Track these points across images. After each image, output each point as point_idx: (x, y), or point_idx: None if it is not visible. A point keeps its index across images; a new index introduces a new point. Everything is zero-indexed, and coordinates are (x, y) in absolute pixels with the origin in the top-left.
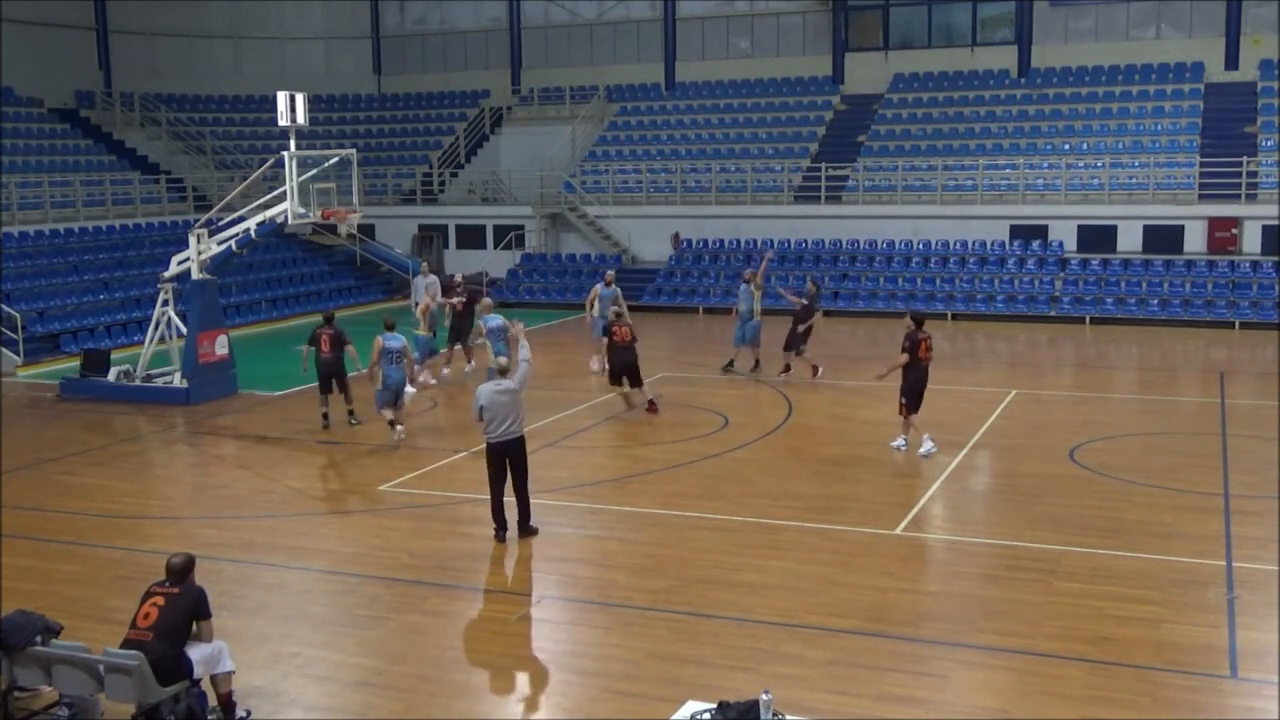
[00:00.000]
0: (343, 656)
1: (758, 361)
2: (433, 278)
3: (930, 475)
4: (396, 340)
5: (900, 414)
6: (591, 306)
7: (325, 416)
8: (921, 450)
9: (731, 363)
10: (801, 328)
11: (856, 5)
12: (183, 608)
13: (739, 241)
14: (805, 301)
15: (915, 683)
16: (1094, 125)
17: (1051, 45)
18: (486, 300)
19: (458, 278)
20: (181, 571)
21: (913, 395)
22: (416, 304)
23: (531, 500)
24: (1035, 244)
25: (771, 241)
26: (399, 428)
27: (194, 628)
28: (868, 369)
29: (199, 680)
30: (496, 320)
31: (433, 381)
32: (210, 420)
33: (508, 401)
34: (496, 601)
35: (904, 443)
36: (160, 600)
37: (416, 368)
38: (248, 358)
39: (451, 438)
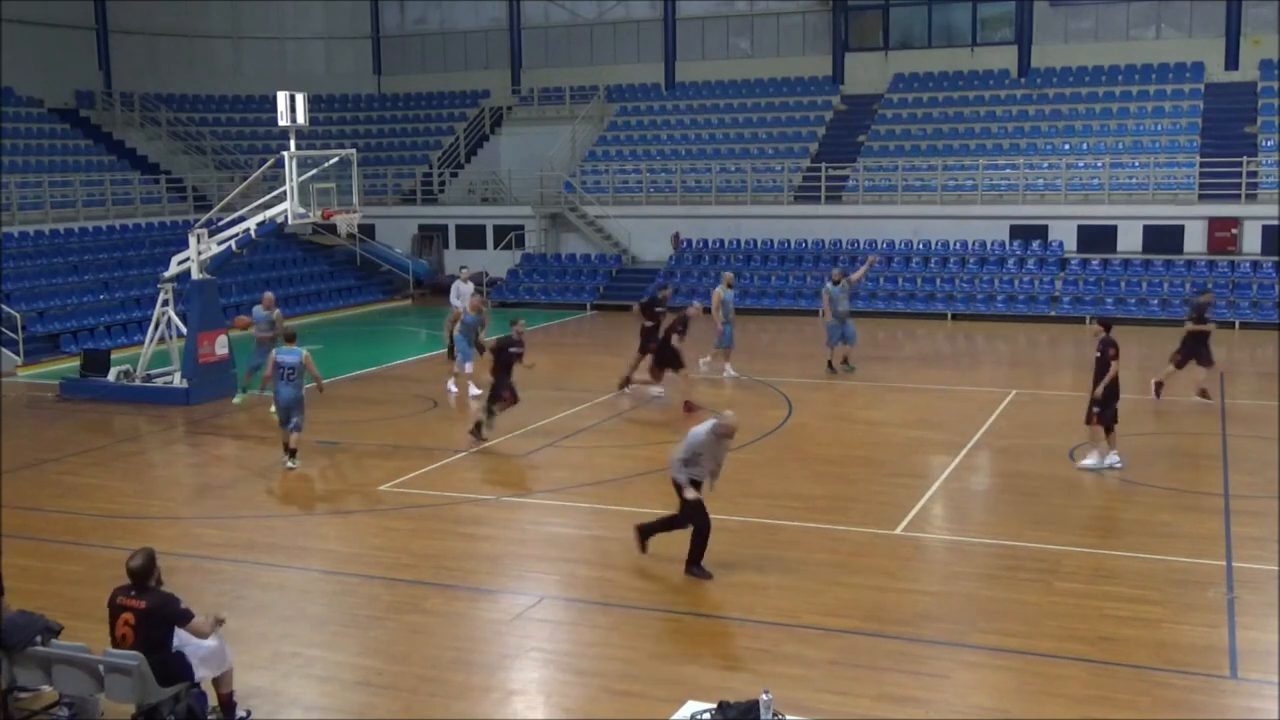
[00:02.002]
0: (343, 656)
1: (846, 358)
2: (470, 285)
3: (930, 475)
4: (293, 355)
5: (1093, 423)
6: (718, 310)
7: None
8: (1107, 462)
9: (846, 361)
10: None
11: (856, 5)
12: (154, 622)
13: (739, 241)
14: (1196, 316)
15: (915, 683)
16: (1094, 125)
17: (1051, 45)
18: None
19: (665, 290)
20: (143, 574)
21: (1110, 405)
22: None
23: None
24: (1035, 244)
25: (875, 243)
26: (290, 461)
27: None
28: (867, 369)
29: (199, 680)
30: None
31: (475, 391)
32: (210, 420)
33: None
34: (496, 601)
35: (1116, 459)
36: (130, 618)
37: (468, 366)
38: (247, 358)
39: (451, 438)
